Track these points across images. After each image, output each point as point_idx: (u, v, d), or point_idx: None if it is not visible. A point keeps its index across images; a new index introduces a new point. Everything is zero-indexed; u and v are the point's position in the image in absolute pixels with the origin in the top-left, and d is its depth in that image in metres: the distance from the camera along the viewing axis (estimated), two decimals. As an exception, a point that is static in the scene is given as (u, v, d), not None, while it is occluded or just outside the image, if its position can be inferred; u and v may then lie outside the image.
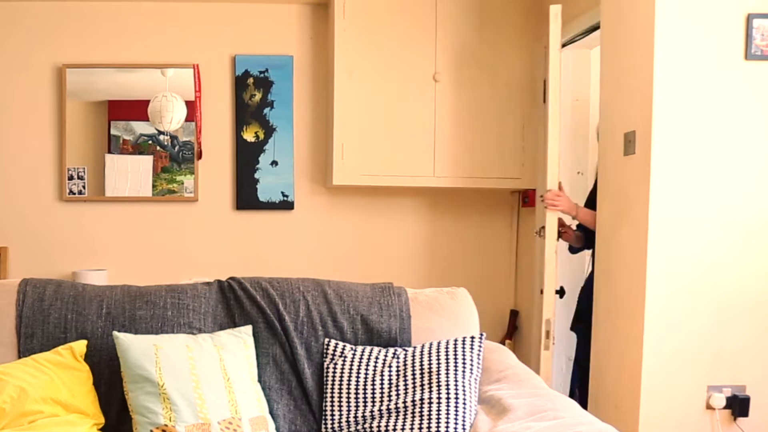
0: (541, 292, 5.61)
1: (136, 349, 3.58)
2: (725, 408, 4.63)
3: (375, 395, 3.73)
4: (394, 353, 3.85)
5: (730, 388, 4.64)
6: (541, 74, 6.53)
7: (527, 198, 6.96)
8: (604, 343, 5.14)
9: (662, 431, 4.66)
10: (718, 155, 4.59)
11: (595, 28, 5.68)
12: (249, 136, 7.09)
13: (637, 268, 4.67)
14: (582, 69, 6.50)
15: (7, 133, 6.98)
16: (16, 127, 6.98)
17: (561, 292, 5.95)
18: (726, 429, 4.67)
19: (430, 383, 3.63)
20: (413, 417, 3.57)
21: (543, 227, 5.59)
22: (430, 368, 3.68)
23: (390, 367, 3.78)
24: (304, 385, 3.90)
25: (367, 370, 3.80)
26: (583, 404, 5.04)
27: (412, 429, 3.54)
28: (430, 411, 3.55)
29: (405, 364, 3.76)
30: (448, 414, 3.52)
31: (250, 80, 7.07)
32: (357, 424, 3.72)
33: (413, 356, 3.78)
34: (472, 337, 3.81)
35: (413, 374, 3.71)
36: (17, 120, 6.98)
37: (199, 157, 7.05)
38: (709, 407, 4.62)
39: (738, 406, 4.62)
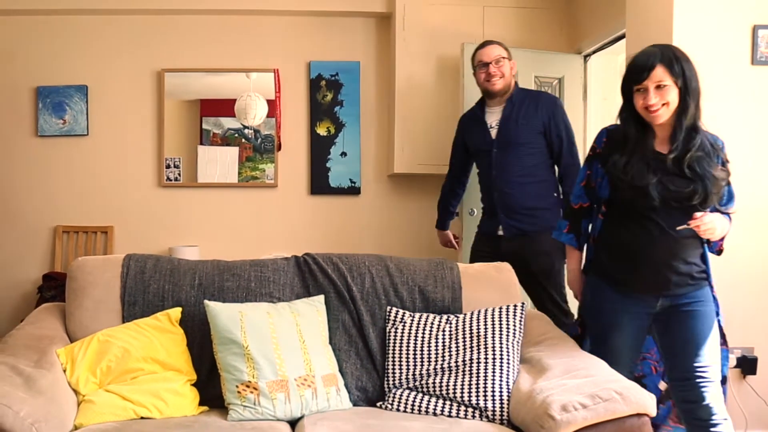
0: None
1: (224, 315, 3.66)
2: (736, 367, 4.72)
3: (430, 356, 3.77)
4: (447, 319, 3.89)
5: (740, 349, 4.71)
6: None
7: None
8: None
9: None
10: (729, 149, 4.59)
11: (621, 37, 5.76)
12: (322, 130, 7.20)
13: None
14: (610, 72, 6.50)
15: (115, 128, 7.11)
16: (123, 123, 7.11)
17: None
18: (737, 385, 4.71)
19: (478, 345, 3.68)
20: (464, 375, 3.61)
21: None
22: (478, 332, 3.72)
23: (443, 331, 3.82)
24: (369, 346, 3.94)
25: (423, 333, 3.84)
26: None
27: (462, 385, 3.58)
28: (478, 370, 3.59)
29: (456, 329, 3.80)
30: (494, 372, 3.56)
31: (323, 83, 7.16)
32: (415, 380, 3.75)
33: (464, 322, 3.82)
34: (515, 306, 3.84)
35: (464, 338, 3.75)
36: (124, 117, 7.11)
37: (279, 148, 7.15)
38: None
39: (747, 365, 4.73)
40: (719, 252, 3.81)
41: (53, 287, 6.51)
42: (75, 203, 7.13)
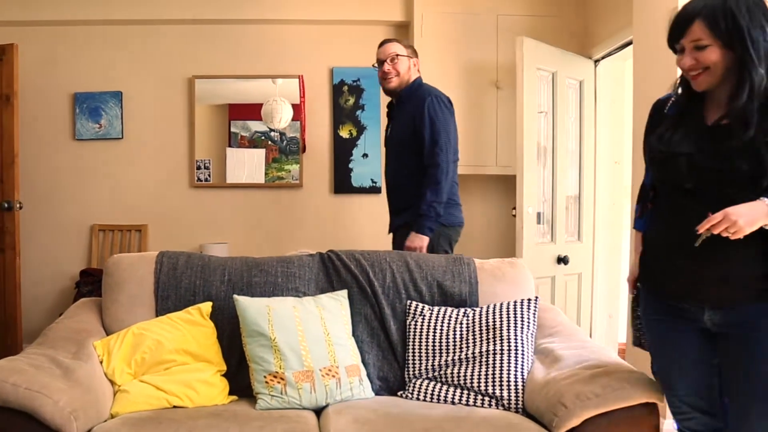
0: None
1: (253, 309, 3.68)
2: None
3: (448, 347, 3.77)
4: (465, 312, 3.88)
5: None
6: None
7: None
8: None
9: None
10: None
11: (629, 43, 5.75)
12: (344, 133, 7.19)
13: None
14: (618, 76, 6.50)
15: (148, 131, 7.14)
16: (156, 127, 7.14)
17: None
18: None
19: (494, 337, 3.67)
20: (480, 365, 3.62)
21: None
22: (494, 325, 3.71)
23: (461, 324, 3.82)
24: (390, 338, 3.95)
25: (442, 326, 3.84)
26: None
27: (479, 375, 3.59)
28: (494, 360, 3.59)
29: (473, 322, 3.79)
30: (509, 363, 3.57)
31: (345, 88, 7.17)
32: (434, 371, 3.76)
33: (480, 315, 3.81)
34: (529, 299, 3.83)
35: (480, 330, 3.74)
36: (156, 121, 7.14)
37: (303, 150, 7.14)
38: None
39: None
40: None
41: (90, 283, 6.54)
42: (110, 203, 7.16)
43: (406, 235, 4.77)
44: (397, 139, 5.00)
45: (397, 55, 4.94)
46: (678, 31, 2.75)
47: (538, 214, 6.05)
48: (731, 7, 2.59)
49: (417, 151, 4.81)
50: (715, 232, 2.52)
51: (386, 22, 7.13)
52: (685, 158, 2.74)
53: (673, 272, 2.83)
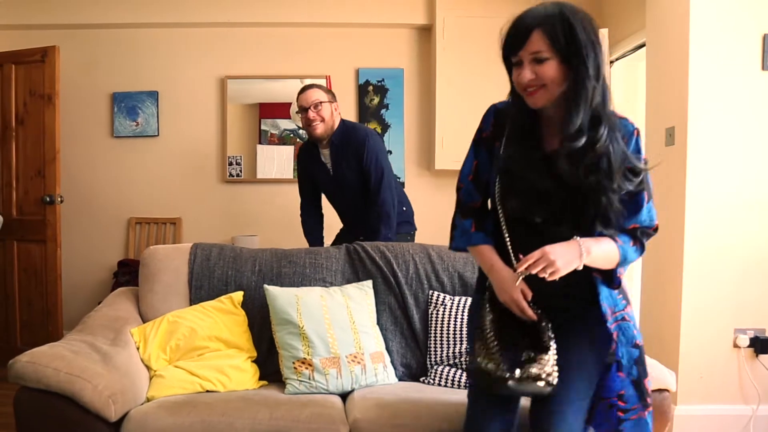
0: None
1: (282, 298, 3.70)
2: (749, 347, 4.71)
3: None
4: None
5: (752, 330, 4.71)
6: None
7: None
8: (651, 296, 5.19)
9: (697, 365, 4.72)
10: (740, 146, 4.67)
11: (642, 45, 5.77)
12: None
13: (677, 236, 4.74)
14: (631, 77, 6.46)
15: (183, 129, 7.16)
16: (190, 125, 7.16)
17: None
18: (750, 363, 4.73)
19: None
20: None
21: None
22: None
23: None
24: (413, 327, 3.95)
25: (462, 315, 3.82)
26: None
27: None
28: None
29: None
30: None
31: (370, 88, 7.16)
32: (455, 358, 3.76)
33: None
34: None
35: None
36: (190, 119, 7.16)
37: None
38: (735, 346, 4.72)
39: (759, 345, 4.71)
40: (616, 284, 2.62)
41: (127, 273, 6.57)
42: (147, 197, 7.19)
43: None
44: (347, 179, 4.92)
45: (320, 102, 4.84)
46: (517, 41, 2.53)
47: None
48: (569, 19, 2.41)
49: (366, 186, 4.88)
50: (533, 272, 2.40)
51: (410, 25, 7.11)
52: (529, 189, 2.57)
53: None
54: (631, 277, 6.34)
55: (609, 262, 2.51)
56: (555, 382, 2.46)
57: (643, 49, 5.61)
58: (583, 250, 2.41)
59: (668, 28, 4.98)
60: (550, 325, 2.55)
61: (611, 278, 2.57)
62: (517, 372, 2.44)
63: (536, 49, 2.42)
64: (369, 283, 4.01)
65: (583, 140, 2.43)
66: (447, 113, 6.83)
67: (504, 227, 2.65)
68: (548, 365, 2.47)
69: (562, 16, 2.41)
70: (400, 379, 3.83)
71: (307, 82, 6.55)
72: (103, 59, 7.14)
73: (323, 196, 5.35)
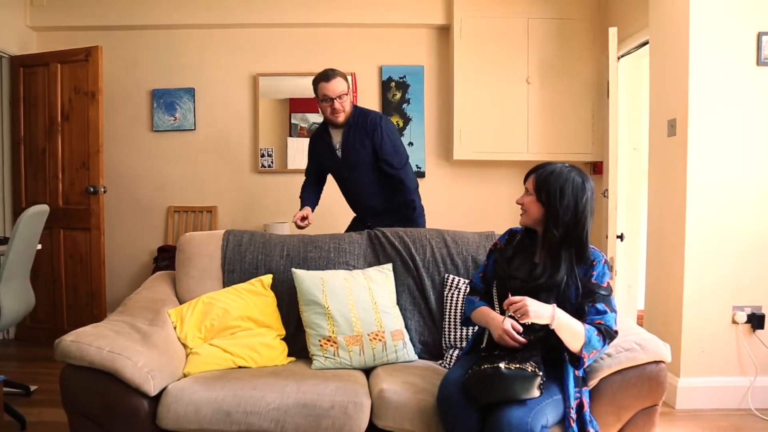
0: (606, 237, 5.75)
1: (308, 280, 3.72)
2: (746, 323, 4.78)
3: None
4: None
5: (749, 307, 4.78)
6: (605, 77, 6.45)
7: (596, 167, 6.96)
8: (655, 277, 5.20)
9: (698, 341, 4.78)
10: (737, 137, 4.72)
11: (645, 43, 5.76)
12: None
13: (678, 221, 4.79)
14: (635, 73, 6.45)
15: (218, 123, 7.17)
16: (224, 119, 7.18)
17: (621, 237, 6.08)
18: (747, 338, 4.79)
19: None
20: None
21: (606, 189, 5.74)
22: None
23: None
24: (430, 307, 3.96)
25: None
26: None
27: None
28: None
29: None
30: None
31: (393, 84, 7.15)
32: (467, 339, 3.75)
33: None
34: None
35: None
36: (225, 114, 7.18)
37: None
38: (733, 322, 4.79)
39: (756, 321, 4.78)
40: (580, 366, 2.91)
41: (166, 258, 6.60)
42: (184, 187, 7.22)
43: (397, 222, 4.80)
44: (357, 160, 4.83)
45: (344, 93, 4.74)
46: (526, 176, 3.17)
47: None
48: (552, 181, 3.05)
49: (376, 167, 4.82)
50: (512, 310, 2.80)
51: (429, 25, 7.10)
52: (517, 282, 3.05)
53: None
54: (637, 260, 6.35)
55: (574, 337, 2.84)
56: (541, 373, 2.78)
57: (647, 46, 5.60)
58: (555, 313, 2.81)
59: (670, 27, 5.01)
60: (538, 348, 2.92)
61: (577, 361, 2.87)
62: (511, 364, 2.79)
63: (527, 186, 3.21)
64: (389, 266, 4.02)
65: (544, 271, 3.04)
66: (464, 107, 6.83)
67: (495, 299, 3.18)
68: (538, 366, 2.81)
69: (545, 178, 3.11)
70: (419, 356, 3.85)
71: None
72: (143, 58, 7.17)
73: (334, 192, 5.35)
